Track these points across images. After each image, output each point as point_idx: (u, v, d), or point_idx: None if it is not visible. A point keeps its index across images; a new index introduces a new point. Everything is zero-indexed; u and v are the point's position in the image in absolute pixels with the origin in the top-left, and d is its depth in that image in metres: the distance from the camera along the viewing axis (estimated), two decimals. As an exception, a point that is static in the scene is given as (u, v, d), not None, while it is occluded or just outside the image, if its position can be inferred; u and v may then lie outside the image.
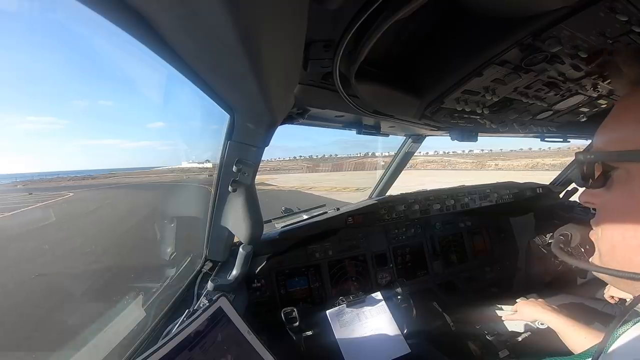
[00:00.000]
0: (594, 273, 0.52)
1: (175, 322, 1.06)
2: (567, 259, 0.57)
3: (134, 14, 0.50)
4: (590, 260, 0.54)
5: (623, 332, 0.44)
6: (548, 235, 2.25)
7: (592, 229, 0.54)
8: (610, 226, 0.47)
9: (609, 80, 1.04)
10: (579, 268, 0.52)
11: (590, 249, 0.54)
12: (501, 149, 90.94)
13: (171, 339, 0.80)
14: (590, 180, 0.48)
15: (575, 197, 2.53)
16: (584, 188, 0.53)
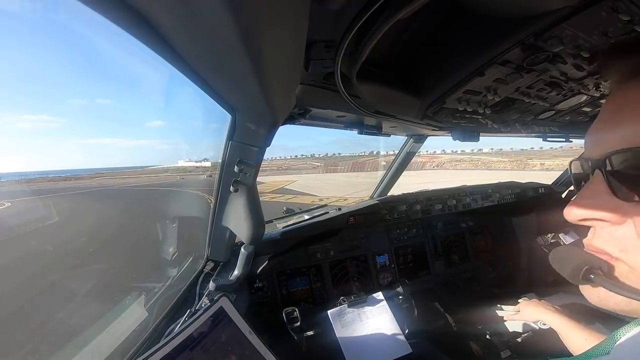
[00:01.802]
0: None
1: (177, 322, 1.06)
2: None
3: (135, 14, 0.50)
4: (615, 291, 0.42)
5: (630, 334, 0.43)
6: (550, 236, 2.25)
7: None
8: None
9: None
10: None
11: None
12: (512, 148, 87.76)
13: (172, 338, 0.81)
14: (624, 189, 0.39)
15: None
16: (581, 200, 0.44)
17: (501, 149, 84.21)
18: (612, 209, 0.41)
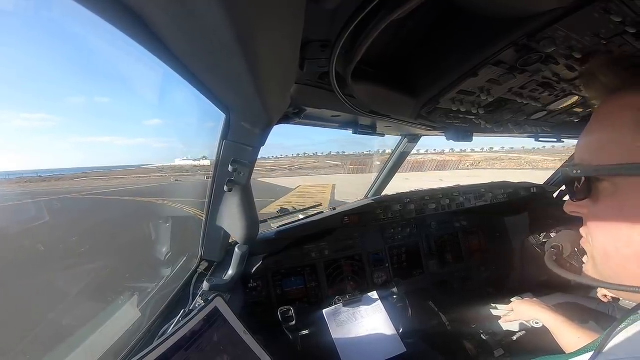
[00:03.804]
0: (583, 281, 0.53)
1: (171, 322, 1.06)
2: (564, 273, 0.58)
3: (130, 13, 0.50)
4: (583, 267, 0.54)
5: (619, 332, 0.44)
6: (542, 235, 2.27)
7: (582, 236, 0.55)
8: (602, 236, 0.48)
9: None
10: (578, 282, 0.53)
11: (582, 256, 0.55)
12: (523, 147, 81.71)
13: (167, 339, 0.80)
14: (578, 194, 0.49)
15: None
16: (569, 198, 0.54)
17: (513, 148, 79.76)
18: (582, 206, 0.51)
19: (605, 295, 1.60)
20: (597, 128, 0.48)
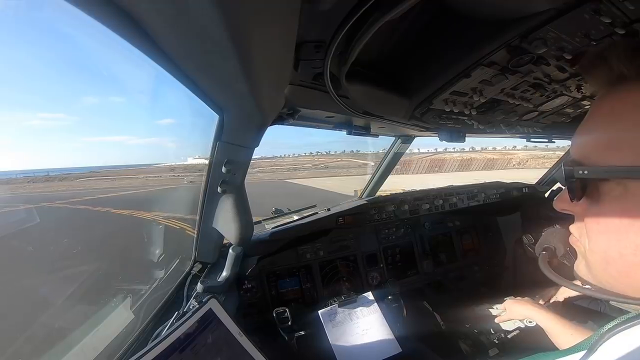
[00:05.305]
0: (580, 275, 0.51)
1: (165, 324, 1.05)
2: (562, 281, 0.56)
3: (122, 13, 0.49)
4: (575, 266, 0.52)
5: (610, 337, 0.44)
6: (534, 234, 2.29)
7: (570, 233, 0.52)
8: (604, 241, 0.44)
9: None
10: (577, 291, 0.52)
11: (574, 256, 0.53)
12: (526, 146, 78.20)
13: (161, 341, 0.79)
14: (576, 192, 0.45)
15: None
16: (562, 195, 0.50)
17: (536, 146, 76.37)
18: (571, 205, 0.48)
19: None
20: (602, 124, 0.44)
